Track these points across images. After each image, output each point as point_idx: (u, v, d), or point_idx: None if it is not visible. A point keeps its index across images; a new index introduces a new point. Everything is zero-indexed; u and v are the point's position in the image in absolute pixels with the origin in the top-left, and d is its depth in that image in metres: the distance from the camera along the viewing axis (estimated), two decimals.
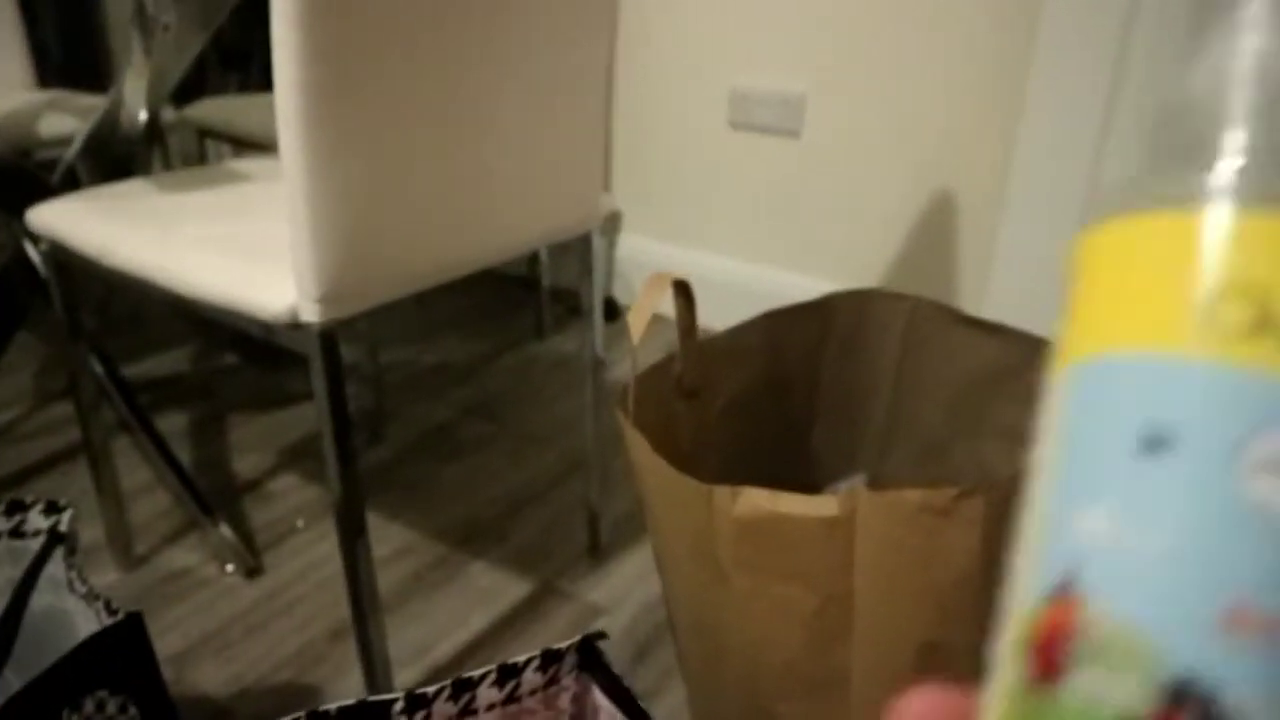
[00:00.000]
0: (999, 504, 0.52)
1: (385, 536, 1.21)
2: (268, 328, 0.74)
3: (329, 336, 0.72)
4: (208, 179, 1.03)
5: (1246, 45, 0.19)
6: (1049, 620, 0.17)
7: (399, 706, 0.47)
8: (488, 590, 1.12)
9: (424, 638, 1.03)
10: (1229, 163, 0.18)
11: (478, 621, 1.06)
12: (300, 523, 1.23)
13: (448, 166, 0.76)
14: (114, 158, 1.28)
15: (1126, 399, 0.17)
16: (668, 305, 0.76)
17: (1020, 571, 0.18)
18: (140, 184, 0.99)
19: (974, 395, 0.83)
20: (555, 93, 0.85)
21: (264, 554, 1.17)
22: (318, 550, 1.18)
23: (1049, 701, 0.16)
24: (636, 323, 0.67)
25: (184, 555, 1.16)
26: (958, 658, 0.54)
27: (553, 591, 1.11)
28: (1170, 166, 0.19)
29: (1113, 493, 0.17)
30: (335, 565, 1.15)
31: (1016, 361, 0.81)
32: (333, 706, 0.46)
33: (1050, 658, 0.16)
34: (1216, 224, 0.17)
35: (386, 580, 1.13)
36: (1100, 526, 0.17)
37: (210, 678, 0.98)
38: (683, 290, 0.74)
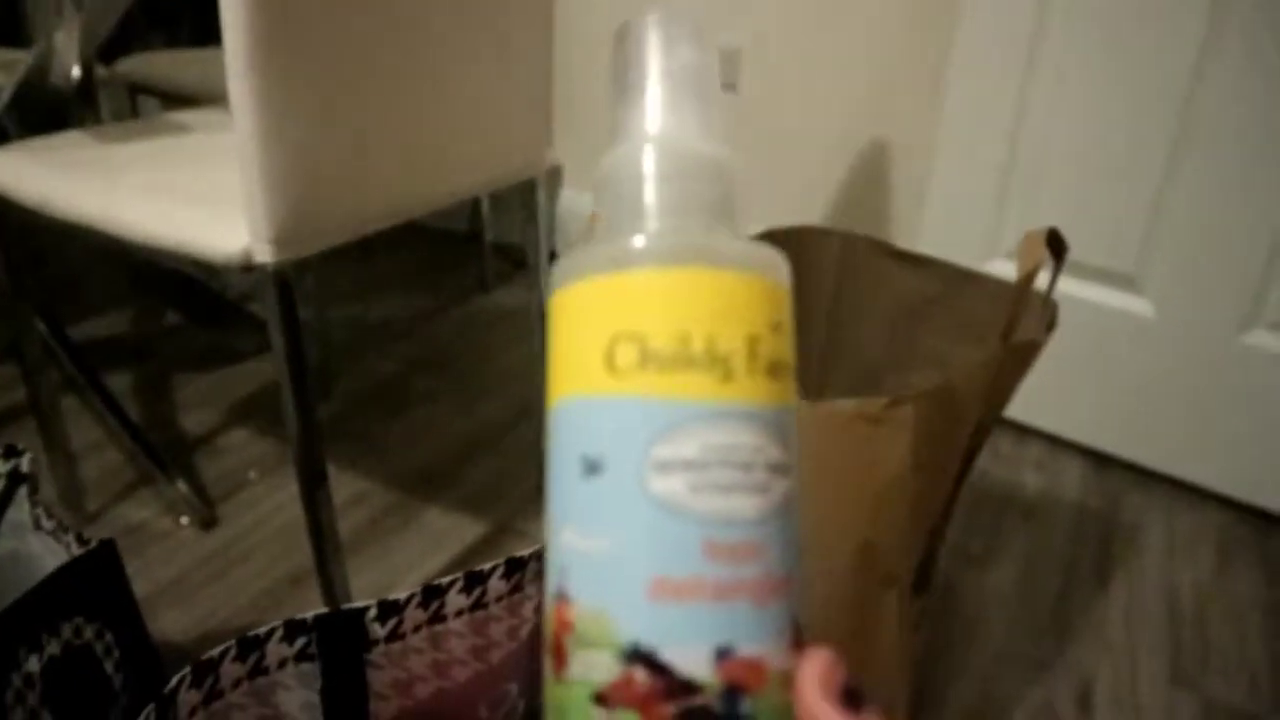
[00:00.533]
0: (927, 411, 0.56)
1: (339, 485, 1.22)
2: (217, 274, 0.75)
3: (283, 278, 0.74)
4: (147, 130, 1.03)
5: (648, 131, 0.24)
6: (554, 621, 0.22)
7: (372, 614, 0.50)
8: (444, 532, 1.14)
9: (383, 579, 1.05)
10: (630, 235, 0.22)
11: (435, 562, 1.09)
12: (253, 474, 1.24)
13: (397, 108, 0.77)
14: (45, 112, 1.26)
15: (572, 435, 0.22)
16: None
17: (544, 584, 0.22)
18: (78, 135, 0.98)
19: (904, 325, 0.87)
20: (503, 39, 0.87)
21: (218, 507, 1.18)
22: (271, 501, 1.19)
23: (563, 688, 0.21)
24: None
25: (138, 510, 1.16)
26: (891, 555, 0.58)
27: (508, 531, 1.15)
28: (604, 236, 0.23)
29: (574, 511, 0.22)
30: (290, 514, 1.16)
31: (944, 291, 0.86)
32: (309, 615, 0.49)
33: (559, 652, 0.21)
34: (608, 286, 0.22)
35: (343, 527, 1.15)
36: (573, 540, 0.21)
37: (172, 625, 1.00)
38: None
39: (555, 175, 1.96)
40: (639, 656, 0.20)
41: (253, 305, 1.71)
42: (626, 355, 0.21)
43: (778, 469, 0.21)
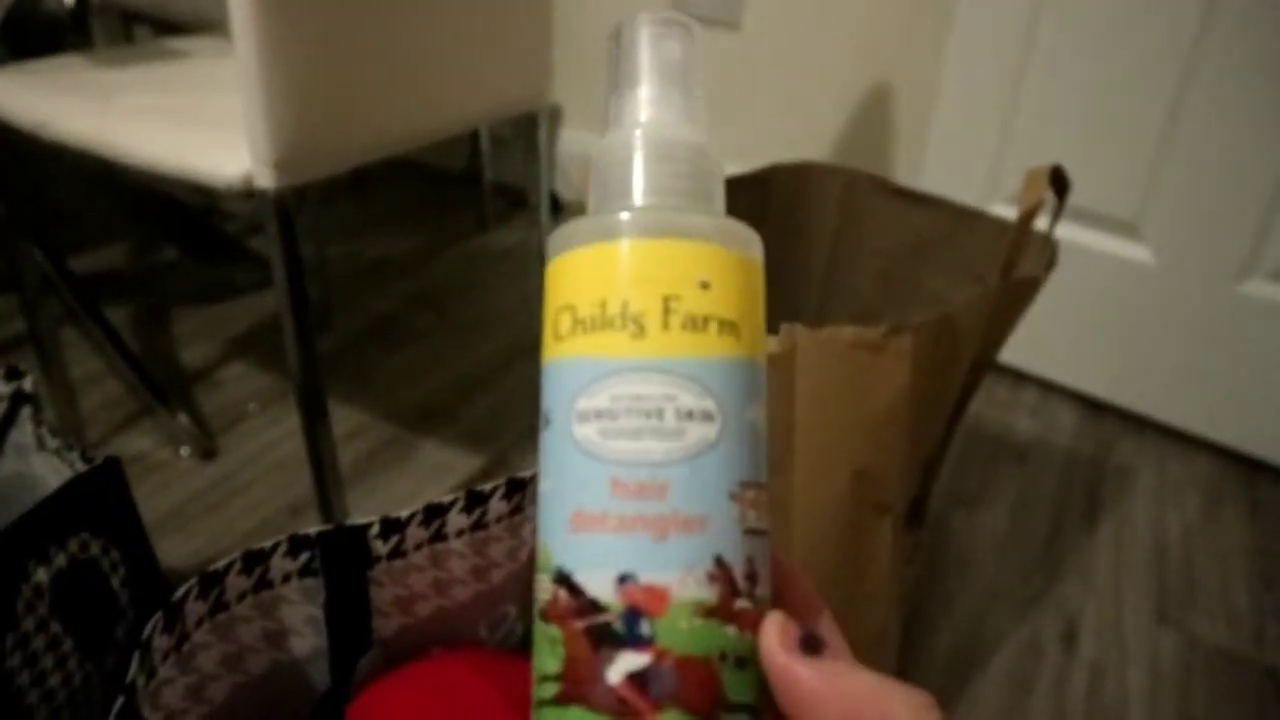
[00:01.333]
0: (926, 341, 0.57)
1: (337, 419, 1.23)
2: (216, 207, 0.75)
3: (284, 206, 0.74)
4: (143, 55, 1.02)
5: (639, 118, 0.27)
6: (535, 554, 0.25)
7: (374, 530, 0.51)
8: (441, 466, 1.16)
9: (381, 510, 1.06)
10: (600, 214, 0.26)
11: (432, 494, 1.10)
12: (252, 406, 1.24)
13: (396, 32, 0.76)
14: (38, 37, 1.24)
15: (541, 395, 0.25)
16: None
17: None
18: (74, 59, 0.97)
19: (906, 264, 0.87)
20: None
21: (218, 439, 1.19)
22: (271, 434, 1.20)
23: (535, 604, 0.24)
24: (584, 183, 0.70)
25: (137, 441, 1.17)
26: (885, 484, 0.59)
27: (504, 465, 1.16)
28: (594, 211, 0.26)
29: (541, 461, 0.25)
30: (289, 447, 1.17)
31: (945, 231, 0.86)
32: (312, 530, 0.50)
33: (531, 577, 0.25)
34: (557, 267, 0.26)
35: (341, 460, 1.15)
36: (541, 485, 0.25)
37: (172, 552, 1.01)
38: None
39: (556, 115, 1.94)
40: (561, 579, 0.23)
41: (252, 241, 1.70)
42: (564, 323, 0.25)
43: (694, 416, 0.23)
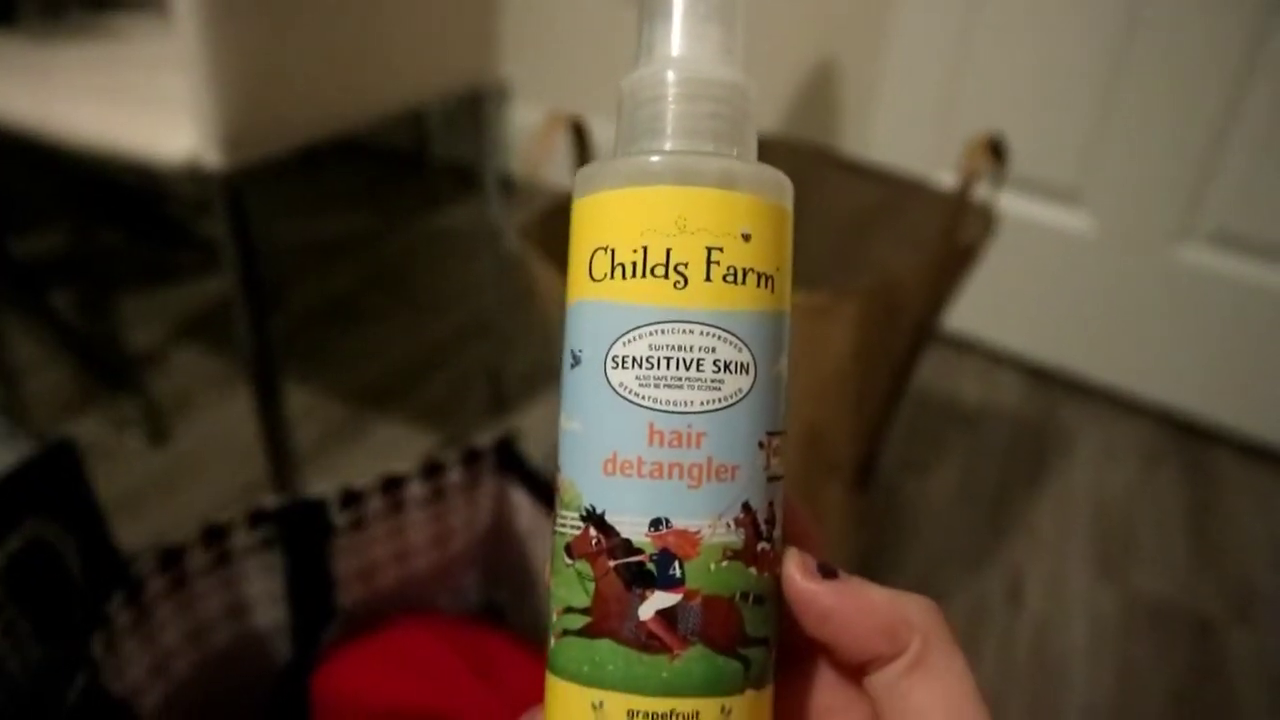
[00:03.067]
0: (870, 305, 0.58)
1: (290, 400, 1.22)
2: (162, 192, 0.74)
3: (232, 187, 0.73)
4: (77, 32, 0.99)
5: (673, 51, 0.26)
6: (555, 486, 0.26)
7: (334, 501, 0.51)
8: (395, 444, 1.16)
9: None
10: (629, 155, 0.25)
11: None
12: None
13: (342, 5, 0.76)
14: None
15: (568, 334, 0.26)
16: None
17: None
18: (4, 38, 0.94)
19: (850, 234, 0.89)
20: None
21: (168, 423, 1.17)
22: (223, 416, 1.19)
23: (555, 539, 0.25)
24: (536, 154, 0.70)
25: (84, 427, 1.15)
26: (834, 442, 0.61)
27: (462, 443, 1.16)
28: (623, 151, 0.26)
29: (565, 398, 0.26)
30: (241, 429, 1.16)
31: (889, 201, 0.87)
32: (271, 502, 0.50)
33: (555, 511, 0.26)
34: (592, 204, 0.25)
35: (295, 440, 1.15)
36: (563, 422, 0.26)
37: (128, 536, 0.99)
38: (578, 131, 0.77)
39: (504, 92, 1.92)
40: (592, 518, 0.24)
41: (198, 223, 1.68)
42: (601, 265, 0.25)
43: (732, 368, 0.24)
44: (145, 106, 0.76)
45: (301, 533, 0.51)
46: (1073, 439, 1.28)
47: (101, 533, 0.62)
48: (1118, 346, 1.34)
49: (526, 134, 1.91)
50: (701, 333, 0.24)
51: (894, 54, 1.34)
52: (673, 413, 0.24)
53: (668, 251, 0.24)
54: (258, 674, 0.55)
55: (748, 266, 0.24)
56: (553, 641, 0.25)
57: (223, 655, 0.53)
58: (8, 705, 0.48)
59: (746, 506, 0.24)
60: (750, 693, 0.24)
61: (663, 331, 0.24)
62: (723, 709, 0.24)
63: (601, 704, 0.24)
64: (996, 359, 1.44)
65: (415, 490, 0.53)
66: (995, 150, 0.71)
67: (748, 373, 0.24)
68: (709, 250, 0.24)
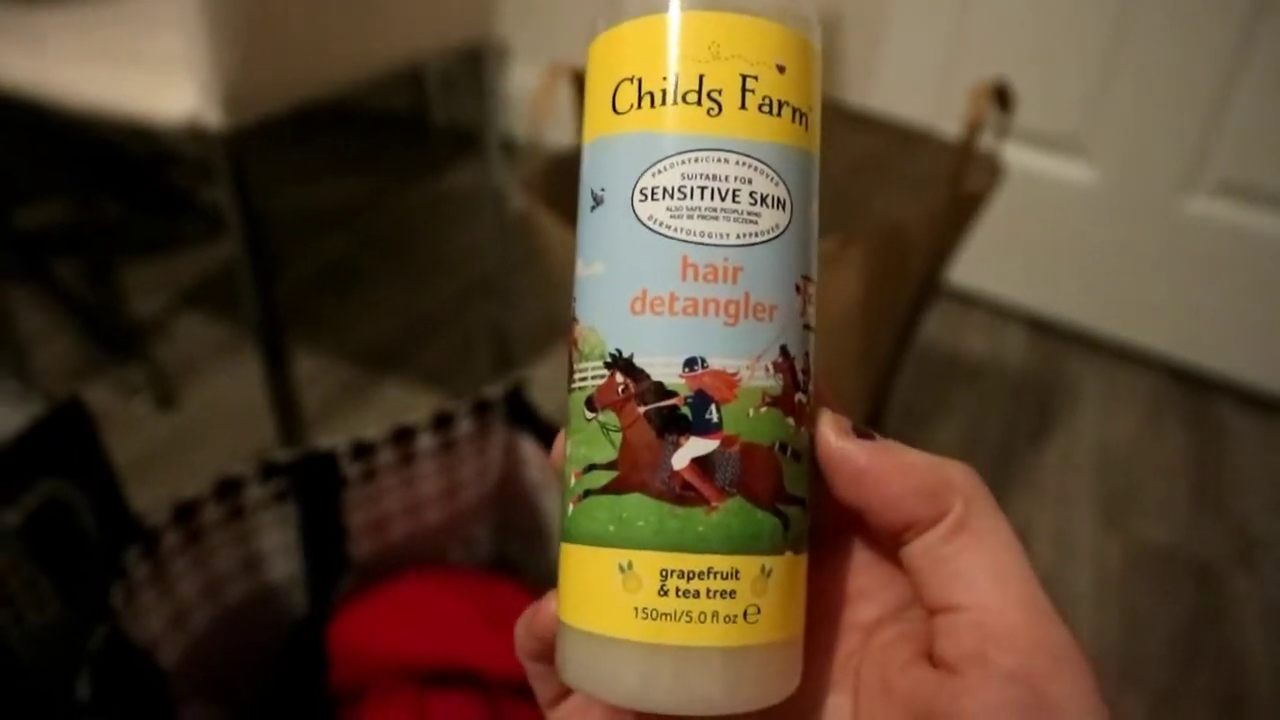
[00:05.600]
0: (876, 252, 0.58)
1: (297, 364, 1.23)
2: (163, 158, 0.73)
3: (234, 147, 0.73)
4: None
5: None
6: (569, 342, 0.24)
7: (345, 453, 0.52)
8: (401, 404, 1.16)
9: None
10: None
11: None
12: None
13: None
14: None
15: (587, 174, 0.24)
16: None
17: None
18: None
19: (855, 184, 0.89)
20: None
21: (175, 389, 1.18)
22: (229, 381, 1.19)
23: (571, 397, 0.24)
24: (539, 107, 0.70)
25: (92, 393, 1.16)
26: (842, 390, 0.61)
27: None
28: None
29: (585, 244, 0.24)
30: (247, 395, 1.16)
31: (895, 150, 0.87)
32: (282, 456, 0.50)
33: (570, 367, 0.24)
34: (615, 37, 0.24)
35: (303, 403, 1.15)
36: (581, 270, 0.24)
37: (140, 501, 1.00)
38: (581, 83, 0.77)
39: (504, 52, 1.91)
40: (619, 363, 0.22)
41: (200, 193, 1.67)
42: (626, 97, 0.23)
43: (769, 201, 0.23)
44: (144, 67, 0.76)
45: (313, 485, 0.51)
46: (1077, 391, 1.28)
47: (114, 490, 0.62)
48: (1122, 298, 1.34)
49: (528, 94, 1.90)
50: (737, 162, 0.22)
51: (898, 3, 1.33)
52: (707, 245, 0.22)
53: (700, 78, 0.22)
54: (273, 626, 0.56)
55: (783, 99, 0.23)
56: (570, 509, 0.23)
57: (239, 608, 0.53)
58: (32, 658, 0.49)
59: (785, 351, 0.23)
60: (789, 555, 0.23)
61: (696, 160, 0.22)
62: (763, 569, 0.22)
63: (630, 565, 0.22)
64: (1001, 312, 1.44)
65: (426, 442, 0.54)
66: (1001, 96, 0.71)
67: (784, 209, 0.23)
68: (744, 78, 0.23)
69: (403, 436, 0.52)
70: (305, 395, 1.17)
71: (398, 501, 0.55)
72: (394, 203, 1.70)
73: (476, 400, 0.54)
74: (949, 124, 1.35)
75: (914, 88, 1.36)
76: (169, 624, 0.49)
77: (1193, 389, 1.29)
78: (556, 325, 1.19)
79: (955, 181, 0.66)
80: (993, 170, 0.71)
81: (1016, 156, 1.31)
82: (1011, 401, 1.25)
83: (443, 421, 0.54)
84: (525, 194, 0.71)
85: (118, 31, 0.86)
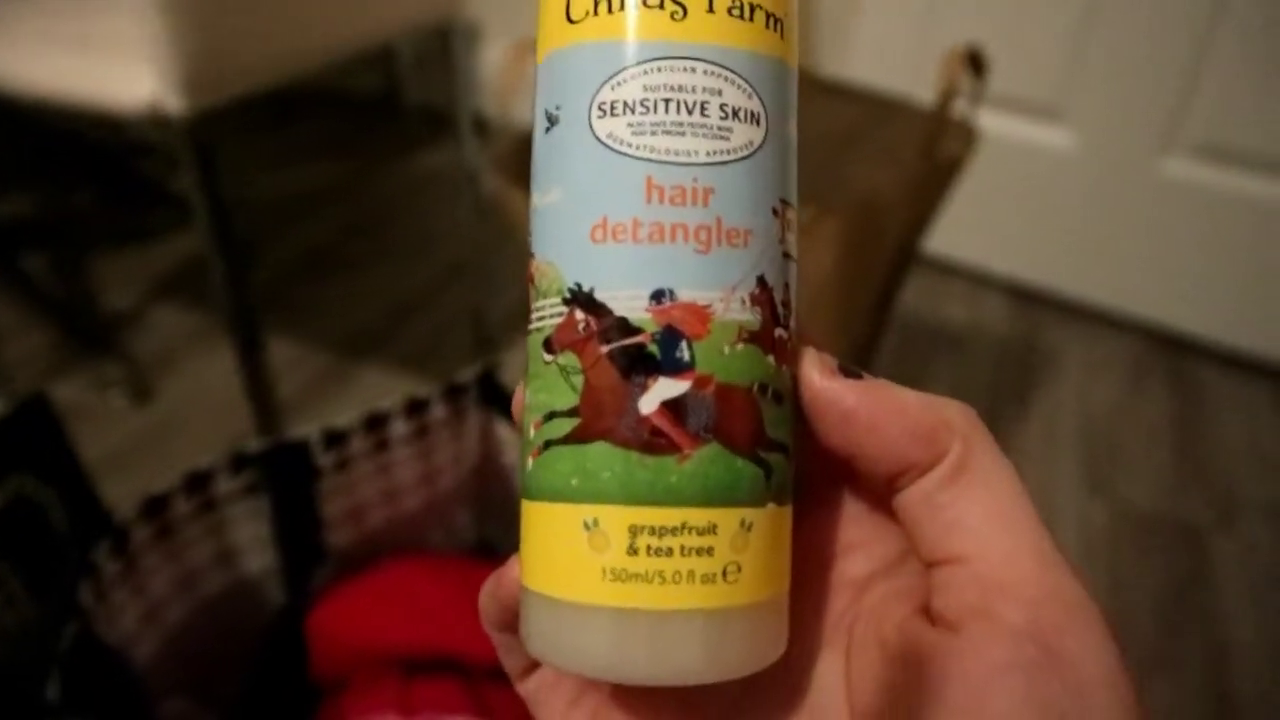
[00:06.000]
0: (852, 224, 0.58)
1: (272, 352, 1.21)
2: (131, 149, 0.72)
3: (198, 132, 0.71)
4: None
5: None
6: (527, 277, 0.22)
7: (317, 441, 0.51)
8: (382, 392, 1.14)
9: None
10: None
11: None
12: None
13: None
14: None
15: (540, 95, 0.22)
16: None
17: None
18: None
19: (830, 155, 0.88)
20: None
21: (150, 382, 1.16)
22: (205, 372, 1.18)
23: (529, 339, 0.22)
24: (506, 84, 0.69)
25: (66, 388, 1.14)
26: None
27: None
28: None
29: (539, 171, 0.22)
30: (225, 384, 1.15)
31: (870, 120, 0.86)
32: (252, 447, 0.50)
33: (528, 307, 0.22)
34: None
35: (280, 392, 1.14)
36: (537, 200, 0.22)
37: (117, 495, 0.99)
38: None
39: (475, 31, 1.89)
40: (578, 298, 0.20)
41: (170, 182, 1.65)
42: (581, 3, 0.21)
43: (741, 115, 0.20)
44: (101, 52, 0.74)
45: (286, 476, 0.51)
46: (1059, 357, 1.28)
47: (84, 486, 0.61)
48: (1102, 264, 1.33)
49: (499, 72, 1.88)
50: (705, 71, 0.20)
51: None
52: (674, 164, 0.20)
53: None
54: (251, 620, 0.55)
55: (755, 2, 0.21)
56: (530, 462, 0.21)
57: (214, 602, 0.53)
58: (2, 657, 0.48)
59: (762, 281, 0.20)
60: (772, 506, 0.21)
61: (659, 70, 0.20)
62: (743, 522, 0.20)
63: (595, 522, 0.20)
64: (981, 281, 1.43)
65: (399, 428, 0.53)
66: (975, 62, 0.70)
67: (758, 124, 0.21)
68: None
69: (375, 423, 0.52)
70: (283, 383, 1.15)
71: (373, 489, 0.54)
72: (368, 186, 1.68)
73: (449, 384, 0.53)
74: (924, 92, 1.35)
75: (888, 56, 1.35)
76: (142, 620, 0.48)
77: (1173, 352, 1.30)
78: None
79: (930, 149, 0.65)
80: (968, 137, 0.71)
81: (993, 123, 1.30)
82: (993, 369, 1.25)
83: (416, 407, 0.53)
84: (496, 173, 0.70)
85: (73, 16, 0.84)
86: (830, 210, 0.55)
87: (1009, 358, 1.28)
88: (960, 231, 1.37)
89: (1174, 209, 1.24)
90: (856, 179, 0.87)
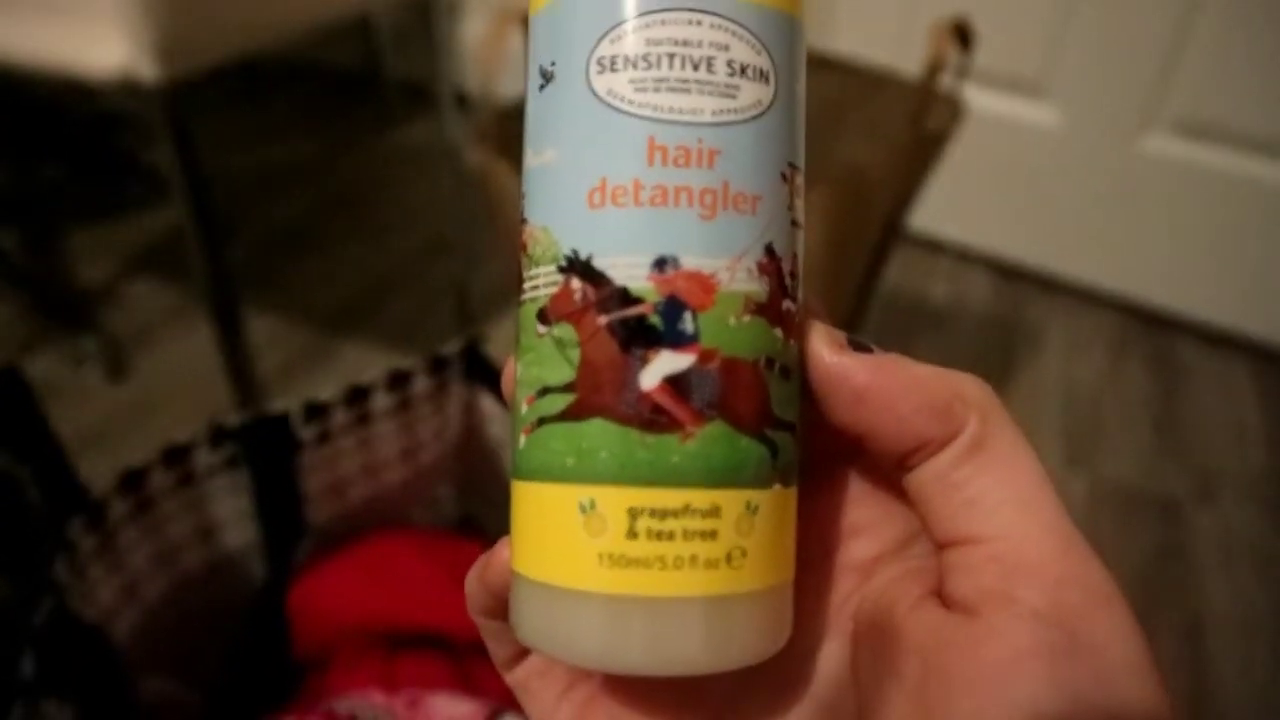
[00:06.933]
0: (839, 198, 0.57)
1: (252, 328, 1.20)
2: (107, 120, 0.70)
3: (173, 101, 0.70)
4: None
5: None
6: (519, 245, 0.21)
7: (298, 414, 0.50)
8: (362, 366, 1.13)
9: None
10: None
11: None
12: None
13: None
14: None
15: (534, 51, 0.20)
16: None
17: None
18: None
19: (816, 130, 0.87)
20: None
21: (127, 357, 1.15)
22: (183, 348, 1.17)
23: (522, 310, 0.21)
24: (488, 56, 0.67)
25: (41, 365, 1.12)
26: None
27: None
28: None
29: (533, 130, 0.20)
30: (202, 361, 1.14)
31: (856, 94, 0.85)
32: (232, 421, 0.49)
33: (518, 277, 0.21)
34: None
35: (260, 368, 1.13)
36: (530, 161, 0.20)
37: (94, 472, 0.98)
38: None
39: (455, 3, 1.86)
40: (575, 266, 0.19)
41: (146, 154, 1.62)
42: None
43: (750, 73, 0.19)
44: (72, 16, 0.72)
45: (266, 449, 0.50)
46: (1041, 333, 1.29)
47: (60, 462, 0.60)
48: (1084, 239, 1.34)
49: (480, 44, 1.85)
50: (712, 25, 0.19)
51: None
52: (678, 123, 0.19)
53: None
54: (232, 595, 0.54)
55: None
56: (522, 440, 0.20)
57: (195, 577, 0.52)
58: None
59: (770, 250, 0.19)
60: (778, 488, 0.20)
61: (663, 22, 0.19)
62: (748, 505, 0.19)
63: (592, 504, 0.19)
64: (964, 257, 1.43)
65: (381, 401, 0.52)
66: (961, 34, 0.70)
67: (768, 83, 0.19)
68: None
69: (357, 397, 0.51)
70: (263, 359, 1.14)
71: (355, 463, 0.53)
72: (349, 160, 1.66)
73: (432, 357, 0.52)
74: (910, 66, 1.34)
75: (874, 29, 1.34)
76: (120, 596, 0.47)
77: (1154, 328, 1.30)
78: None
79: (917, 122, 0.65)
80: (954, 110, 0.70)
81: (976, 98, 1.30)
82: (976, 345, 1.25)
83: (398, 380, 0.52)
84: (478, 147, 0.69)
85: None
86: (816, 184, 0.55)
87: (991, 333, 1.28)
88: (943, 208, 1.37)
89: (1156, 185, 1.25)
90: (843, 152, 0.86)
